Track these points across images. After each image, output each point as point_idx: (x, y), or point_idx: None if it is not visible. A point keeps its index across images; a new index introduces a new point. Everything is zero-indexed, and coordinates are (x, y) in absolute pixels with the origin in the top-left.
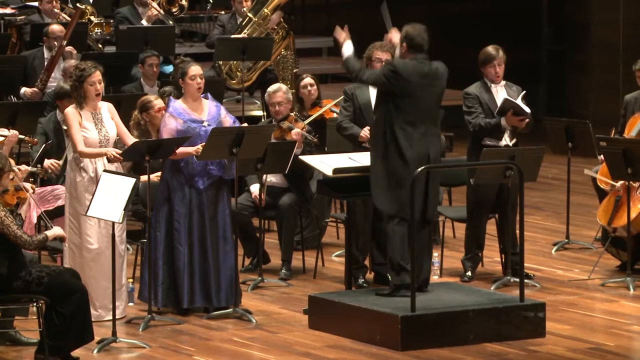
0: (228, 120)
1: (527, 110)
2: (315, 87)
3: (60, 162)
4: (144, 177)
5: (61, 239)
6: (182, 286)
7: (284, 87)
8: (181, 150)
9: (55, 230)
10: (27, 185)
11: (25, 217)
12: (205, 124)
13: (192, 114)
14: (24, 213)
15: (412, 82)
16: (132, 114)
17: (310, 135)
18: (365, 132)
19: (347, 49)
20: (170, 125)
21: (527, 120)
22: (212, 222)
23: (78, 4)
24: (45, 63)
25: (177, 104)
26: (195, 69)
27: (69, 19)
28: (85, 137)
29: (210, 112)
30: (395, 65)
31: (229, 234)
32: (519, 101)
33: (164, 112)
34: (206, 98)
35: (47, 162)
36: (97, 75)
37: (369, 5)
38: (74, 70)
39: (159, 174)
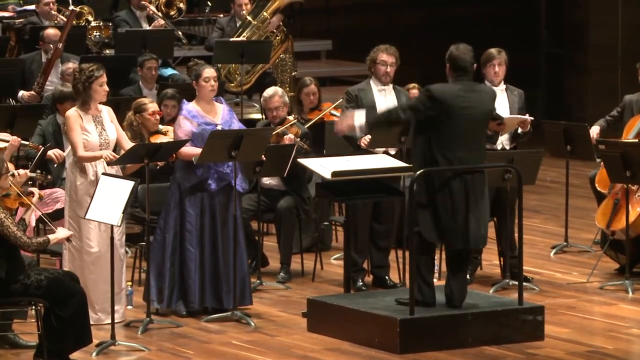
0: (236, 126)
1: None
2: (317, 94)
3: (65, 154)
4: None
5: (68, 240)
6: (193, 287)
7: (279, 90)
8: (187, 150)
9: (59, 234)
10: (36, 191)
11: (28, 221)
12: (219, 127)
13: (206, 116)
14: (28, 218)
15: (451, 106)
16: (126, 115)
17: (302, 141)
18: (365, 140)
19: (359, 117)
20: (185, 128)
21: (504, 124)
22: (224, 224)
23: (78, 8)
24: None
25: (190, 106)
26: (209, 71)
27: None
28: (87, 140)
29: (224, 116)
30: (431, 90)
31: (240, 236)
32: (505, 108)
33: (158, 116)
34: (219, 102)
35: (52, 152)
36: (105, 77)
37: (368, 8)
38: (80, 72)
39: None
